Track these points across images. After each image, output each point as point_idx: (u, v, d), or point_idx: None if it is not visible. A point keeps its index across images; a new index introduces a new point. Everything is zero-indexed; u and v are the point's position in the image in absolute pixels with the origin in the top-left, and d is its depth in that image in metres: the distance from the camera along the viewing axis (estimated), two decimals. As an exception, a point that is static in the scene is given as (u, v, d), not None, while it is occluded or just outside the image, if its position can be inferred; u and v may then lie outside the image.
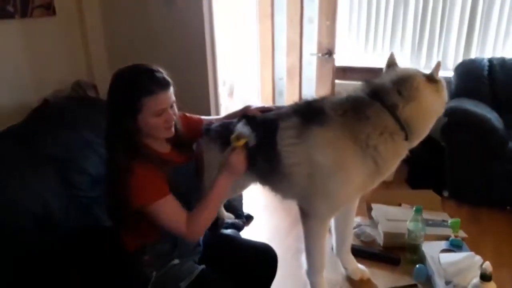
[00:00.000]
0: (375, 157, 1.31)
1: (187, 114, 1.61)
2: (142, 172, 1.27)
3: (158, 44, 2.79)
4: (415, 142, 1.38)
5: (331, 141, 1.32)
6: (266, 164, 1.42)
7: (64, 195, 1.73)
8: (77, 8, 2.72)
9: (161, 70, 1.34)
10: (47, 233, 1.62)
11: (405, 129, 1.30)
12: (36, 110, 2.24)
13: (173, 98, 1.35)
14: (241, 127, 1.47)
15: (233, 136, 1.37)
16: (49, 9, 2.52)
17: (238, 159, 1.33)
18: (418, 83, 1.30)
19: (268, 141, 1.40)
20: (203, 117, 1.67)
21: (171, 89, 1.33)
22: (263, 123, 1.47)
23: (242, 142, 1.35)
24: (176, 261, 1.43)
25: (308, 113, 1.39)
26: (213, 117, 1.76)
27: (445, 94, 1.37)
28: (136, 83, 1.28)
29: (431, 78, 1.32)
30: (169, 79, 1.33)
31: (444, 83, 1.36)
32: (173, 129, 1.38)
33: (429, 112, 1.33)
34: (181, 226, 1.30)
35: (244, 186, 1.80)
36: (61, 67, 2.64)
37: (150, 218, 1.29)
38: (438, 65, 1.32)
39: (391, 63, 1.44)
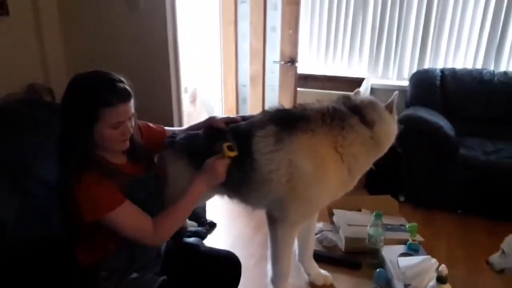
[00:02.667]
0: (351, 166, 1.39)
1: (150, 124, 1.55)
2: (91, 184, 1.20)
3: (119, 48, 2.71)
4: (376, 158, 1.48)
5: (315, 148, 1.35)
6: (240, 174, 1.40)
7: (16, 203, 1.63)
8: (33, 8, 2.58)
9: (123, 80, 1.27)
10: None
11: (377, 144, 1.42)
12: (-15, 114, 2.10)
13: (133, 110, 1.29)
14: (232, 138, 1.43)
15: (224, 145, 1.34)
16: (2, 8, 2.39)
17: (223, 169, 1.32)
18: (384, 109, 1.45)
19: (243, 151, 1.38)
20: (166, 128, 1.63)
21: (132, 101, 1.27)
22: (235, 134, 1.45)
23: (233, 153, 1.34)
24: (135, 274, 1.37)
25: (288, 120, 1.40)
26: (175, 128, 1.72)
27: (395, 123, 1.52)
28: (96, 92, 1.21)
29: (389, 108, 1.47)
30: (130, 91, 1.27)
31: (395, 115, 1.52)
32: (128, 142, 1.32)
33: (393, 133, 1.48)
34: (144, 233, 1.26)
35: (208, 197, 1.78)
36: (14, 70, 2.50)
37: (111, 228, 1.24)
38: (395, 96, 1.47)
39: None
